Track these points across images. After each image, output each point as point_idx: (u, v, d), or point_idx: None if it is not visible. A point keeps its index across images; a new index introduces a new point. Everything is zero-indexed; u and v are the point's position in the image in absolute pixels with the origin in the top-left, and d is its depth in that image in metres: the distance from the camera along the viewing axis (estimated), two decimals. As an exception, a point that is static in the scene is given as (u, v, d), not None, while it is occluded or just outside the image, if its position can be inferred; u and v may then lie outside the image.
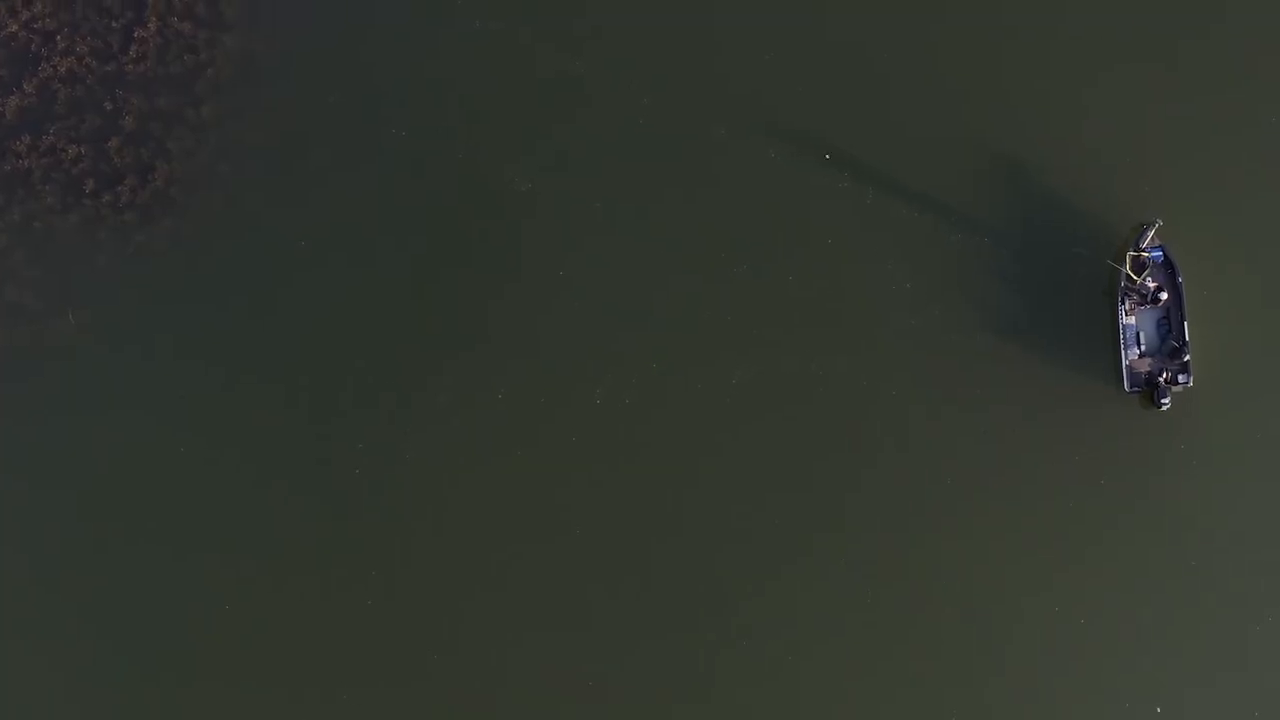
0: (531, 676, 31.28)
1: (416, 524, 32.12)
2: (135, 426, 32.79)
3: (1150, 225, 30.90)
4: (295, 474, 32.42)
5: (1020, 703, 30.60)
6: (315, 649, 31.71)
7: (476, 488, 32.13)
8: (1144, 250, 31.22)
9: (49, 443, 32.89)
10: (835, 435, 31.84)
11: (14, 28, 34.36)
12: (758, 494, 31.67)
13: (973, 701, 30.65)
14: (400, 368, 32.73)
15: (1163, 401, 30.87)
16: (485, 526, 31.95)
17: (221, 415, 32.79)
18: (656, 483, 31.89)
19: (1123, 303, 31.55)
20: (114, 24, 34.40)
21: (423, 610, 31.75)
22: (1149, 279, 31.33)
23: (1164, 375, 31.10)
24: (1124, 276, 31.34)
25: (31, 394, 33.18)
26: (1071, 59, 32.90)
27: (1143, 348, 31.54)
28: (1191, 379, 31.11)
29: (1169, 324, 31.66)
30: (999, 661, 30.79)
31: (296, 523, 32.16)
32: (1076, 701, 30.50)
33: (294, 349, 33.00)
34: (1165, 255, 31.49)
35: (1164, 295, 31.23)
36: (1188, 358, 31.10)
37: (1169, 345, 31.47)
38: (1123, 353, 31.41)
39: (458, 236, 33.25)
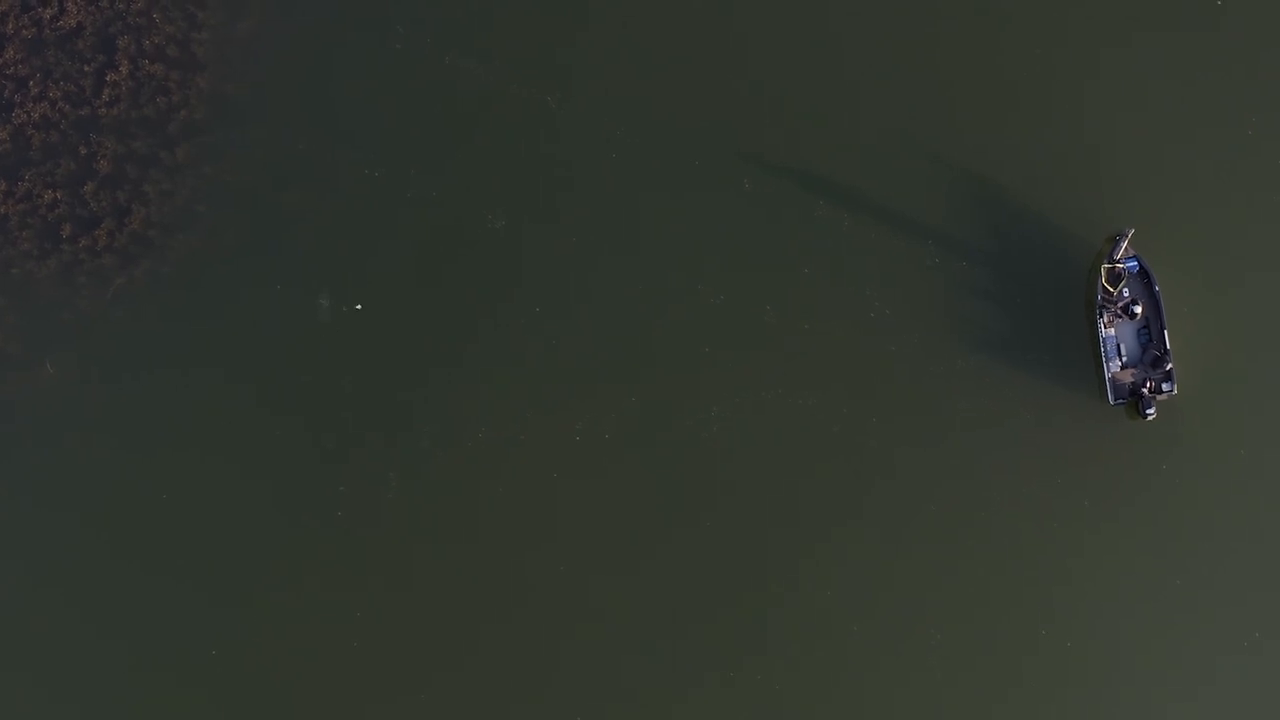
0: (512, 710, 31.34)
1: (403, 556, 32.04)
2: (116, 468, 32.65)
3: (1123, 235, 30.86)
4: (277, 514, 32.25)
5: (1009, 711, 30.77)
6: (302, 683, 31.72)
7: (461, 521, 32.13)
8: (1118, 261, 31.14)
9: (29, 486, 32.94)
10: (819, 461, 31.86)
11: (-15, 74, 34.41)
12: (741, 523, 31.69)
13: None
14: (381, 405, 32.62)
15: (1148, 412, 30.83)
16: (470, 561, 31.96)
17: (203, 457, 32.60)
18: (638, 515, 31.85)
19: (1101, 315, 31.43)
20: (86, 68, 34.36)
21: (410, 644, 31.72)
22: (1125, 290, 31.21)
23: (1147, 385, 31.04)
24: (1100, 289, 31.22)
25: (17, 430, 33.08)
26: (1043, 74, 32.98)
27: (1124, 359, 31.48)
28: (1175, 387, 31.03)
29: (1149, 334, 31.54)
30: (988, 677, 30.86)
31: (278, 565, 32.02)
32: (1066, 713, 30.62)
33: (276, 391, 32.85)
34: (1140, 265, 31.41)
35: (1139, 308, 31.09)
36: (1170, 366, 31.07)
37: (1150, 355, 31.42)
38: (1105, 365, 31.31)
39: (434, 274, 33.17)
